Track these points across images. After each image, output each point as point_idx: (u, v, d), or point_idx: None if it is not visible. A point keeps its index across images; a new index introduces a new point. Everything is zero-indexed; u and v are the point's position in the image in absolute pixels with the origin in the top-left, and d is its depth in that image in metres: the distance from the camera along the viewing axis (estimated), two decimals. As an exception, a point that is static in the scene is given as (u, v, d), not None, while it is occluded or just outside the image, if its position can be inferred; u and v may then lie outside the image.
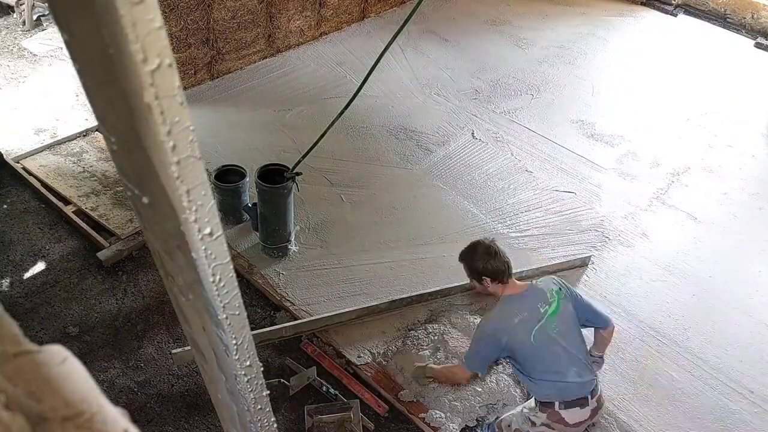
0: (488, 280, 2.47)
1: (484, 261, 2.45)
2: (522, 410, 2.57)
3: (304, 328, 3.15)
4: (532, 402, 2.55)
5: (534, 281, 2.54)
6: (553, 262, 3.65)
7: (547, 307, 2.41)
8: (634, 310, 3.48)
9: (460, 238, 3.81)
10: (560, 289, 2.48)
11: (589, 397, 2.43)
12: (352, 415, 2.81)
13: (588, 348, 2.62)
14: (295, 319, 3.27)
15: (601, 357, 2.81)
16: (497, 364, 2.98)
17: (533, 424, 2.49)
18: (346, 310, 3.21)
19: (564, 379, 2.39)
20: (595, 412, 2.48)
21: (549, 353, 2.38)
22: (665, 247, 3.92)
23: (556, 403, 2.41)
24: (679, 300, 3.58)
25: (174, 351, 2.98)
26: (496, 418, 2.72)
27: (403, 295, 3.33)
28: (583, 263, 3.71)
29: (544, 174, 4.40)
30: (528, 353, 2.40)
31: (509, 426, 2.59)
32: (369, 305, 3.24)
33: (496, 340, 2.43)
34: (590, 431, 2.89)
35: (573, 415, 2.42)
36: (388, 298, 3.30)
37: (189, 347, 2.68)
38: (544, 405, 2.45)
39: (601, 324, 2.61)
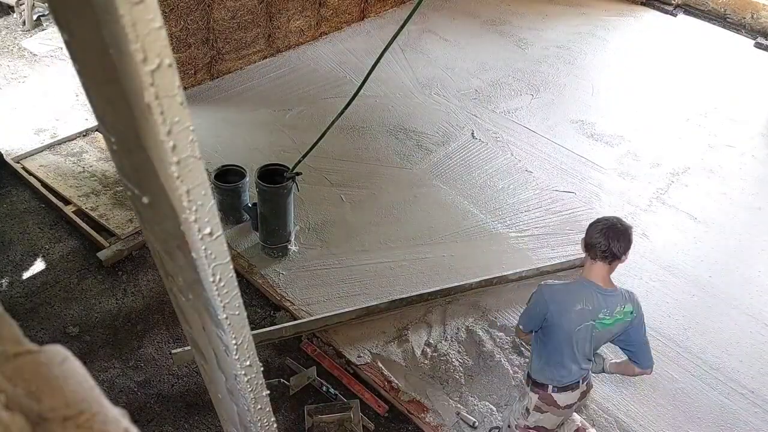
0: (583, 245, 2.38)
1: (594, 232, 2.32)
2: (515, 405, 2.60)
3: (304, 328, 3.15)
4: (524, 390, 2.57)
5: (621, 290, 2.41)
6: (553, 262, 3.64)
7: (607, 317, 2.34)
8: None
9: (460, 238, 3.81)
10: (632, 311, 2.38)
11: (580, 382, 2.46)
12: (352, 415, 2.81)
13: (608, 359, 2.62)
14: (295, 319, 3.27)
15: (602, 364, 2.71)
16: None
17: (527, 411, 2.51)
18: (346, 310, 3.21)
19: (566, 369, 2.43)
20: (584, 394, 2.52)
21: (573, 348, 2.39)
22: (665, 247, 3.92)
23: (550, 386, 2.46)
24: (679, 300, 3.58)
25: (174, 351, 2.98)
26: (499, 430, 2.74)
27: (403, 295, 3.33)
28: (582, 263, 3.69)
29: (544, 174, 4.40)
30: (561, 337, 2.35)
31: (508, 427, 2.61)
32: (369, 305, 3.24)
33: (545, 305, 2.36)
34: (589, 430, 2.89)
35: (564, 398, 2.47)
36: (388, 298, 3.30)
37: (189, 347, 2.68)
38: (537, 386, 2.47)
39: (642, 363, 2.47)
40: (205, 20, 4.60)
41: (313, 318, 3.18)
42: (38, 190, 3.83)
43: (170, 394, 2.95)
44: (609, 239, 2.27)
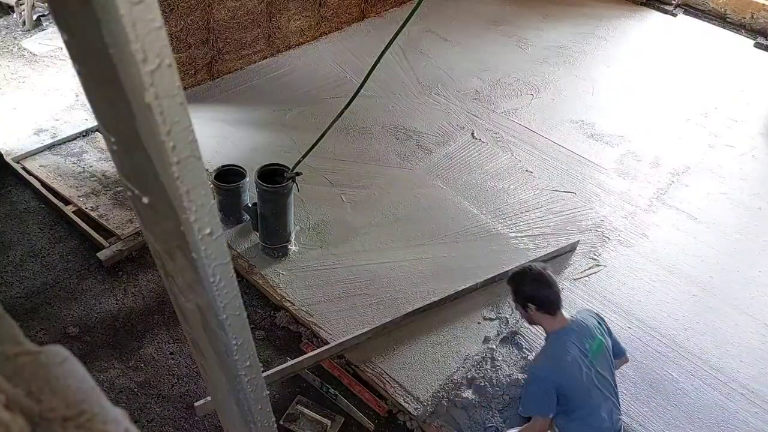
0: (534, 308, 2.33)
1: (533, 287, 2.33)
2: None
3: (312, 361, 3.00)
4: None
5: (575, 315, 2.43)
6: (543, 253, 3.65)
7: (591, 342, 2.33)
8: (634, 310, 3.48)
9: (460, 238, 3.81)
10: (599, 323, 2.43)
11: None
12: (329, 426, 2.80)
13: None
14: (295, 319, 3.27)
15: None
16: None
17: None
18: (361, 331, 3.10)
19: (596, 415, 2.32)
20: None
21: (593, 389, 2.30)
22: (665, 247, 3.92)
23: None
24: (679, 300, 3.58)
25: (197, 403, 2.81)
26: None
27: (415, 307, 3.26)
28: (572, 248, 3.78)
29: (544, 174, 4.40)
30: (577, 391, 2.29)
31: None
32: (383, 323, 3.14)
33: (551, 381, 2.29)
34: None
35: None
36: (388, 296, 3.30)
37: (210, 398, 2.64)
38: None
39: (619, 353, 2.53)
40: (205, 20, 4.60)
41: (321, 349, 3.03)
42: (38, 191, 3.83)
43: (170, 395, 2.95)
44: (551, 290, 2.31)
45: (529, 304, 2.33)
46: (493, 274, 3.49)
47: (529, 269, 2.39)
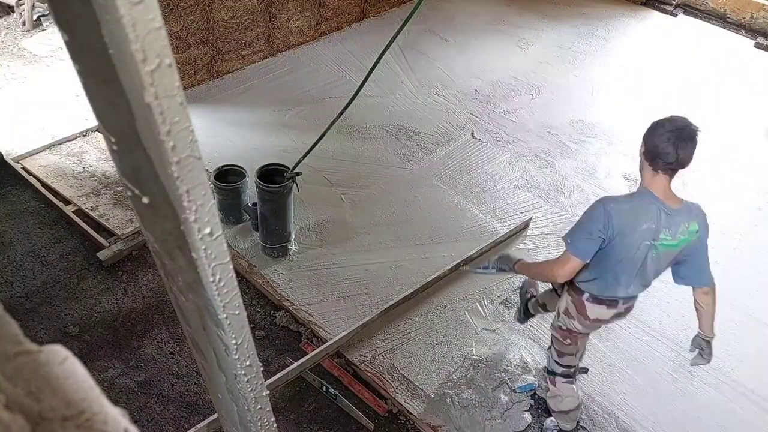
0: (643, 153, 2.11)
1: (661, 140, 2.00)
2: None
3: (309, 363, 3.02)
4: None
5: (687, 205, 2.20)
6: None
7: (669, 238, 2.14)
8: (634, 309, 3.47)
9: (460, 238, 3.82)
10: (697, 230, 2.23)
11: (621, 302, 2.31)
12: None
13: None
14: (295, 319, 3.27)
15: (708, 343, 2.39)
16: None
17: (558, 313, 2.49)
18: (348, 331, 3.12)
19: (616, 285, 2.22)
20: (616, 317, 2.40)
21: (632, 266, 2.17)
22: (665, 247, 3.92)
23: (586, 294, 2.30)
24: (678, 299, 3.58)
25: None
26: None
27: (390, 302, 3.30)
28: (526, 225, 3.92)
29: (544, 174, 4.40)
30: (620, 255, 2.13)
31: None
32: (364, 321, 3.18)
33: (609, 220, 2.09)
34: (590, 431, 2.90)
35: (596, 311, 2.32)
36: (388, 296, 3.30)
37: None
38: (574, 289, 2.35)
39: (696, 281, 2.32)
40: (205, 20, 4.60)
41: (320, 348, 3.06)
42: (38, 190, 3.83)
43: (170, 394, 2.95)
44: (678, 148, 1.97)
45: (645, 152, 2.10)
46: (455, 262, 3.56)
47: (671, 123, 2.04)
